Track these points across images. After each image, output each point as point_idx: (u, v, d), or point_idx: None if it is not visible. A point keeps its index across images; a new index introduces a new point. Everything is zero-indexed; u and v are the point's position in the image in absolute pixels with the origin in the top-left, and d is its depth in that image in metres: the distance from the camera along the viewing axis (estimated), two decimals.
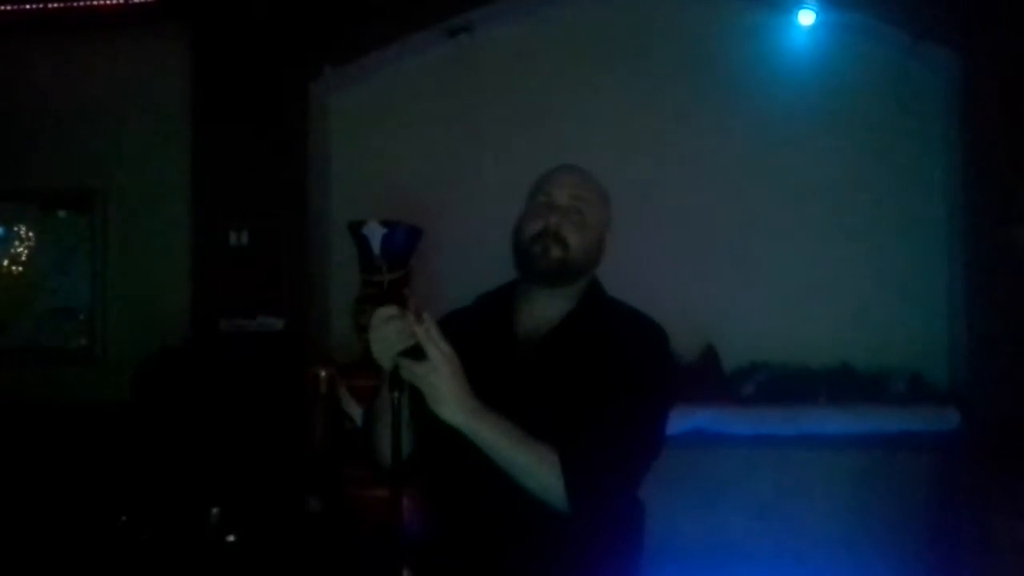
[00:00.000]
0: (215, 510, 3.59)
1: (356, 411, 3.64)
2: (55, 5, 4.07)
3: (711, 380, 3.99)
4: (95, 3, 4.10)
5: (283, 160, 4.14)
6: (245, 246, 4.15)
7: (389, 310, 1.62)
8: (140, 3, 4.10)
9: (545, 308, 1.84)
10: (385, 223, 3.70)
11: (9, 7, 4.08)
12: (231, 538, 3.50)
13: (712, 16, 4.21)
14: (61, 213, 4.53)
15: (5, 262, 4.52)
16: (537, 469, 1.62)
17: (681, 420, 3.93)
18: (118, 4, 4.10)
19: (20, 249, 4.56)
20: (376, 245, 3.72)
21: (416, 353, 1.59)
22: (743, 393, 3.93)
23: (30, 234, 4.53)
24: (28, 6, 4.07)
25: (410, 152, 4.31)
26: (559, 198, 1.81)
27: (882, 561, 3.59)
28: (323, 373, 3.76)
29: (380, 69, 4.33)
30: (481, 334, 1.78)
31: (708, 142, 4.18)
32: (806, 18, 4.00)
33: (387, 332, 1.60)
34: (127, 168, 4.40)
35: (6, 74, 4.45)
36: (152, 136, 4.36)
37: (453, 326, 1.75)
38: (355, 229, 3.74)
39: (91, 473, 3.82)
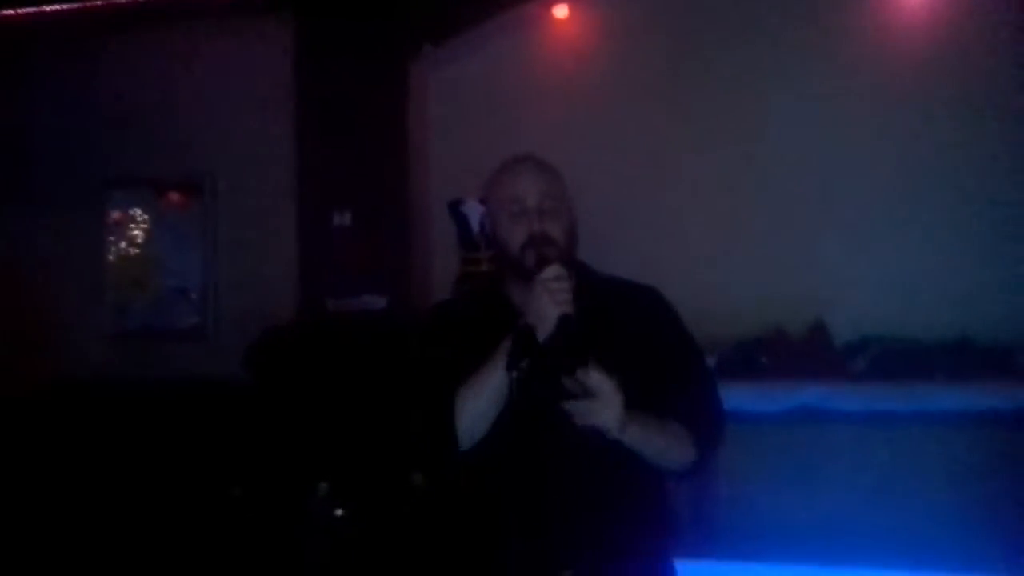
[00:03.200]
0: (323, 485, 3.69)
1: None
2: None
3: (820, 356, 3.86)
4: None
5: (383, 140, 4.19)
6: (348, 226, 4.23)
7: (556, 270, 1.69)
8: None
9: None
10: (483, 201, 3.70)
11: (113, 2, 4.22)
12: (339, 512, 3.58)
13: None
14: (174, 197, 4.72)
15: (123, 244, 4.73)
16: (676, 445, 1.78)
17: (788, 396, 3.83)
18: None
19: (136, 232, 4.76)
20: (475, 223, 3.74)
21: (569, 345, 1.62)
22: (854, 369, 3.79)
23: (146, 217, 4.73)
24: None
25: (510, 130, 4.28)
26: (529, 201, 1.83)
27: (1002, 542, 3.43)
28: None
29: (480, 47, 4.31)
30: (485, 323, 1.81)
31: (818, 111, 4.02)
32: None
33: (554, 290, 1.67)
34: (235, 153, 4.54)
35: (120, 65, 4.63)
36: (258, 121, 4.46)
37: (449, 317, 1.92)
38: (454, 207, 3.76)
39: (205, 447, 3.96)
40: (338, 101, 4.20)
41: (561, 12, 4.17)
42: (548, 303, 1.67)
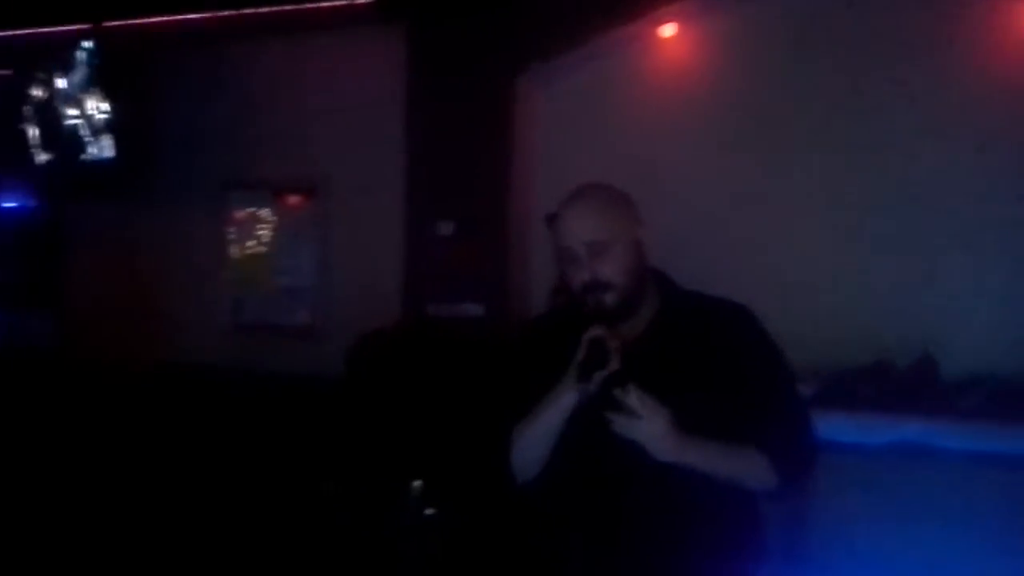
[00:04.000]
0: (417, 484, 3.78)
1: None
2: (282, 8, 4.40)
3: (926, 390, 3.71)
4: (319, 5, 4.39)
5: (488, 153, 4.27)
6: (451, 235, 4.33)
7: (597, 330, 1.71)
8: (360, 4, 4.34)
9: (628, 319, 1.87)
10: None
11: (240, 11, 4.46)
12: (429, 511, 3.66)
13: None
14: (291, 199, 4.93)
15: (243, 242, 4.97)
16: (749, 471, 1.79)
17: (889, 430, 3.70)
18: (340, 5, 4.37)
19: (257, 231, 4.99)
20: None
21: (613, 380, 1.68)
22: (963, 406, 3.62)
23: (273, 217, 4.94)
24: (260, 9, 4.42)
25: (615, 145, 4.30)
26: (577, 248, 1.82)
27: None
28: None
29: (588, 65, 4.34)
30: (568, 344, 1.82)
31: (935, 135, 3.86)
32: None
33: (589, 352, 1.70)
34: (349, 159, 4.70)
35: (243, 73, 4.88)
36: (371, 128, 4.61)
37: (536, 338, 1.97)
38: (550, 221, 3.78)
39: (303, 441, 4.13)
40: (447, 112, 4.32)
41: (668, 31, 4.15)
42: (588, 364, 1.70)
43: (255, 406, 4.43)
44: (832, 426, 3.12)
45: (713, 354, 1.83)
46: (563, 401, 1.78)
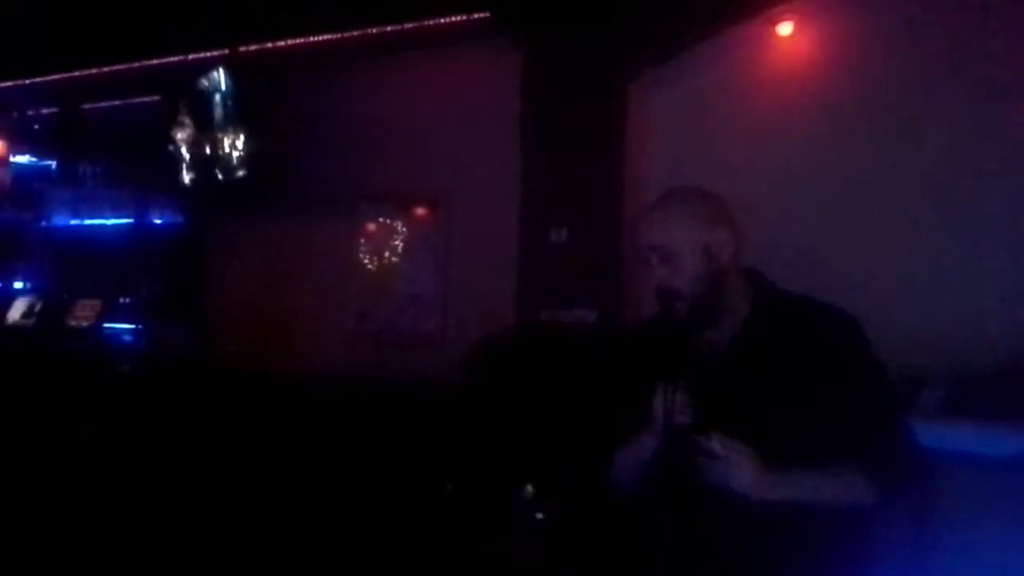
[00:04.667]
0: (528, 488, 3.85)
1: None
2: (403, 27, 4.59)
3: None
4: (438, 21, 4.55)
5: (601, 161, 4.30)
6: (564, 242, 4.38)
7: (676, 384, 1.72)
8: (477, 19, 4.47)
9: (716, 327, 1.85)
10: None
11: (364, 31, 4.67)
12: (539, 515, 3.73)
13: None
14: (417, 211, 5.10)
15: (371, 252, 5.18)
16: (849, 495, 1.74)
17: (1009, 441, 3.51)
18: (457, 21, 4.52)
19: (397, 242, 5.18)
20: None
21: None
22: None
23: (404, 229, 5.13)
24: (384, 27, 4.62)
25: (730, 149, 4.26)
26: (645, 251, 1.83)
27: None
28: None
29: (702, 67, 4.31)
30: (663, 349, 1.83)
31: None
32: None
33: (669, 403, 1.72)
34: (469, 171, 4.85)
35: (366, 92, 5.10)
36: (489, 142, 4.73)
37: (644, 338, 1.92)
38: None
39: (428, 445, 4.27)
40: (561, 122, 4.37)
41: (785, 29, 4.07)
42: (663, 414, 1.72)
43: (378, 410, 4.63)
44: (959, 435, 3.03)
45: (809, 365, 1.76)
46: (646, 445, 1.79)
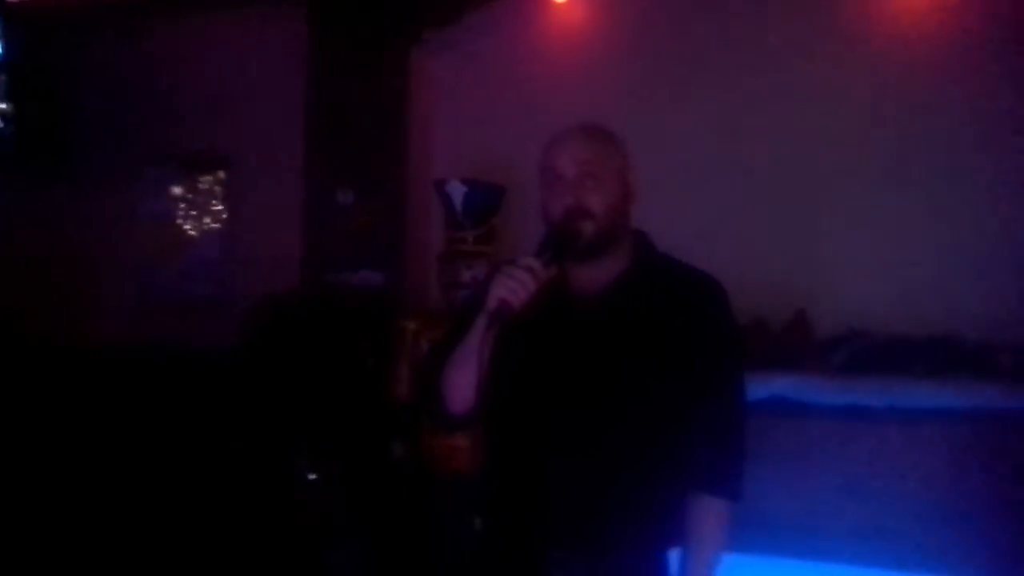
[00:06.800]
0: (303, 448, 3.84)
1: None
2: None
3: (800, 347, 3.81)
4: None
5: (385, 123, 4.32)
6: (350, 204, 4.38)
7: (531, 261, 1.71)
8: None
9: (596, 268, 1.85)
10: (466, 181, 3.79)
11: None
12: (312, 476, 3.73)
13: None
14: (203, 174, 4.94)
15: (172, 217, 4.95)
16: (719, 536, 1.83)
17: (762, 387, 3.78)
18: None
19: (181, 206, 4.98)
20: (458, 202, 3.82)
21: None
22: (833, 362, 3.72)
23: (189, 192, 4.94)
24: None
25: (511, 113, 4.35)
26: (567, 171, 1.80)
27: (975, 543, 3.32)
28: (411, 326, 3.93)
29: (481, 32, 4.38)
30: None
31: (813, 97, 3.95)
32: None
33: (511, 278, 1.69)
34: (254, 135, 4.73)
35: (148, 54, 4.92)
36: (273, 105, 4.66)
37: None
38: (439, 187, 3.85)
39: (198, 414, 4.20)
40: (344, 85, 4.36)
41: None
42: (498, 286, 1.69)
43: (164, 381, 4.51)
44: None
45: (674, 322, 1.80)
46: (471, 343, 1.74)
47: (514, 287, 1.67)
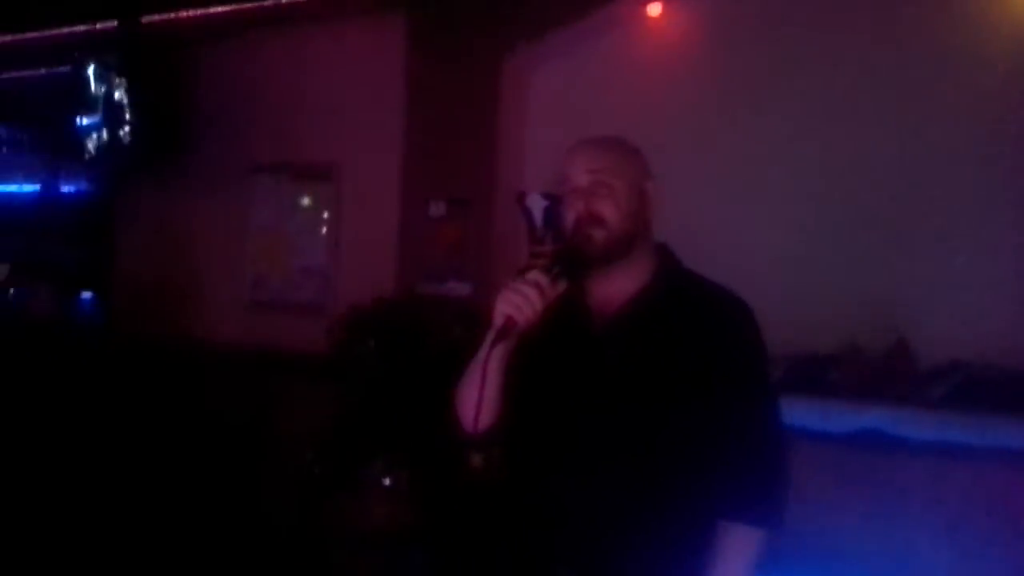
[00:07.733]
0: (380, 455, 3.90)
1: None
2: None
3: (899, 378, 3.56)
4: None
5: (477, 135, 4.35)
6: (442, 216, 4.43)
7: (536, 275, 1.67)
8: None
9: (616, 281, 1.81)
10: (546, 195, 3.77)
11: (247, 5, 4.70)
12: (387, 482, 3.78)
13: None
14: (309, 183, 5.11)
15: (279, 224, 5.14)
16: (745, 564, 1.75)
17: (854, 418, 3.57)
18: None
19: (288, 214, 5.14)
20: (538, 216, 3.81)
21: None
22: (931, 395, 3.46)
23: (295, 201, 5.12)
24: (272, 1, 4.66)
25: (603, 125, 4.28)
26: (579, 180, 1.79)
27: None
28: None
29: (575, 45, 4.35)
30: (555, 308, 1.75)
31: (912, 118, 3.71)
32: None
33: (524, 292, 1.65)
34: (357, 144, 4.84)
35: (260, 67, 5.12)
36: (375, 115, 4.74)
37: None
38: (519, 201, 3.85)
39: (286, 417, 4.34)
40: (440, 97, 4.43)
41: (654, 10, 4.13)
42: (503, 302, 1.66)
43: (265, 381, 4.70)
44: (797, 412, 3.08)
45: (696, 340, 1.75)
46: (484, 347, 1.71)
47: (519, 303, 1.64)
